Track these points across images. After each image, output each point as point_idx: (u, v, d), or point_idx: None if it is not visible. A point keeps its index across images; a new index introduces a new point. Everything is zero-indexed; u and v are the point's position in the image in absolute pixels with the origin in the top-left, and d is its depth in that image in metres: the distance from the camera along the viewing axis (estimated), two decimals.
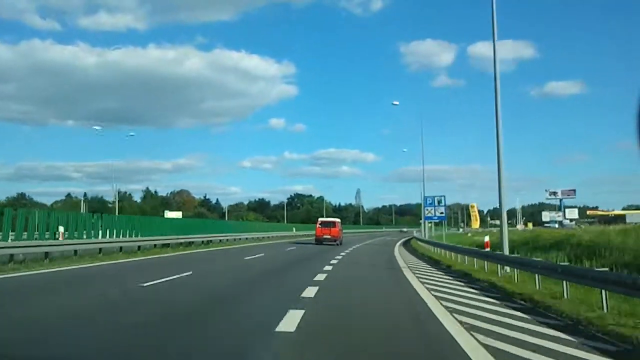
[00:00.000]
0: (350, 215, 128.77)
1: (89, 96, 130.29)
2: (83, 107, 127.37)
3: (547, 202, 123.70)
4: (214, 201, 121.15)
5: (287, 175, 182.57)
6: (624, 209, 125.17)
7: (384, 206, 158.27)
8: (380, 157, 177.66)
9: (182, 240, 26.36)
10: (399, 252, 27.93)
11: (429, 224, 67.43)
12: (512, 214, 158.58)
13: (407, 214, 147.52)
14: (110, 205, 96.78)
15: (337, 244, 33.96)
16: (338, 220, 39.02)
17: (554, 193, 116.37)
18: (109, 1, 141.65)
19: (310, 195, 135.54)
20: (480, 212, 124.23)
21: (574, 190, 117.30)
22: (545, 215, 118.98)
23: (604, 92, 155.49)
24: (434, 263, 19.45)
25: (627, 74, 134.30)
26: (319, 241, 34.69)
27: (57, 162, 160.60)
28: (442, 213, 33.94)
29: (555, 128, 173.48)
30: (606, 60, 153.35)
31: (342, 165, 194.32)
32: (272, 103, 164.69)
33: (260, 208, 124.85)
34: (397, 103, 41.70)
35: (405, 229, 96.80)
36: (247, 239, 39.17)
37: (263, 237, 43.98)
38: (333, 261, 18.42)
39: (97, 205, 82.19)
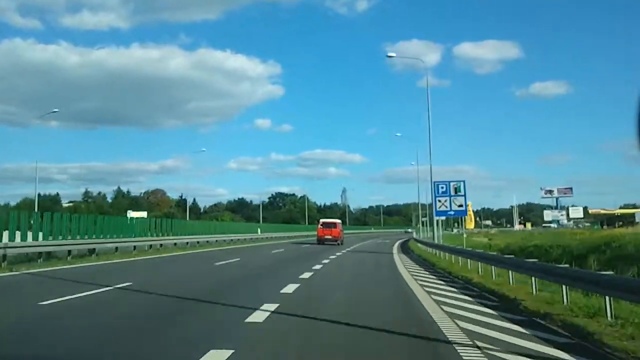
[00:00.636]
0: (336, 215, 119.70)
1: (73, 96, 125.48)
2: (67, 108, 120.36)
3: (542, 201, 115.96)
4: (190, 201, 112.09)
5: (274, 176, 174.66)
6: (621, 207, 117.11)
7: (370, 207, 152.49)
8: (367, 158, 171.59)
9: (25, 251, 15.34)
10: (404, 268, 17.81)
11: (423, 223, 55.80)
12: (504, 213, 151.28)
13: (395, 215, 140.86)
14: (72, 205, 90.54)
15: (338, 244, 35.05)
16: (339, 221, 39.88)
17: (550, 192, 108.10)
18: (91, 0, 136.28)
19: (293, 195, 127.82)
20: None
21: (571, 189, 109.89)
22: (547, 215, 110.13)
23: (590, 93, 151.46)
24: (493, 298, 9.40)
25: (616, 74, 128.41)
26: (321, 241, 35.63)
27: (42, 163, 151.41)
28: (460, 206, 23.79)
29: (541, 128, 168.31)
30: (595, 60, 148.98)
31: (329, 166, 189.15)
32: (257, 103, 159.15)
33: (239, 208, 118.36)
34: (394, 55, 31.93)
35: (409, 230, 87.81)
36: (187, 243, 29.18)
37: (217, 241, 33.88)
38: (267, 307, 8.29)
39: (49, 205, 77.11)
